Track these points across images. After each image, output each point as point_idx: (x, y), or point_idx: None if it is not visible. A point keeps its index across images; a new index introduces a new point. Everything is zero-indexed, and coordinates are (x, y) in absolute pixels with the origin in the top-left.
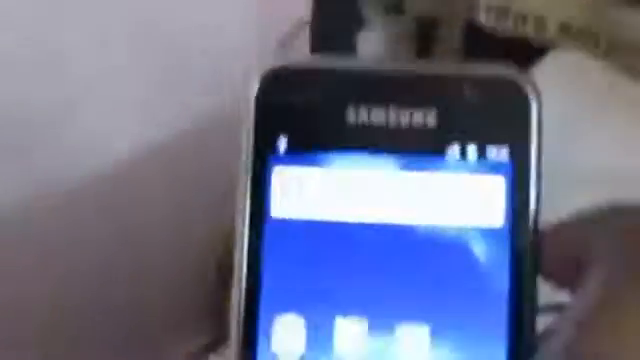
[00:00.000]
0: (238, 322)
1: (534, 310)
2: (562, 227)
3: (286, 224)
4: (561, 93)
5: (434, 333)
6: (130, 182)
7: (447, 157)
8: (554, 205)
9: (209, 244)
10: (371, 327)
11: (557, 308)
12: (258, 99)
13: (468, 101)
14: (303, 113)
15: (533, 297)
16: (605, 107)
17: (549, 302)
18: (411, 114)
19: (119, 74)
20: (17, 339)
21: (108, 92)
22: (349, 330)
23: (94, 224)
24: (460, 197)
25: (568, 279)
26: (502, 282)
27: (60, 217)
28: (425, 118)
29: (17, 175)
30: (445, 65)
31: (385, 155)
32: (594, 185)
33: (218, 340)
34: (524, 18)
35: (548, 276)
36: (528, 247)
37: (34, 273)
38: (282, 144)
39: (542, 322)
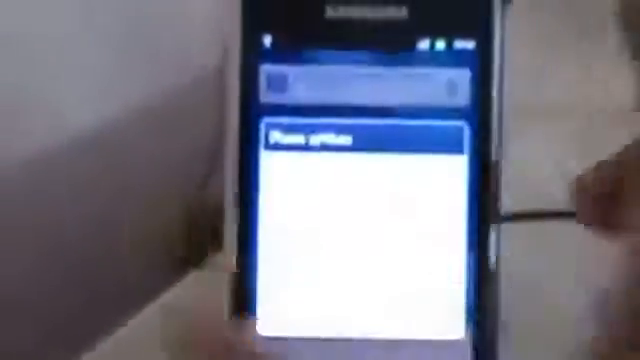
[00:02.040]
0: (231, 209)
1: (499, 178)
2: (600, 166)
3: (273, 115)
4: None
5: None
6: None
7: (417, 50)
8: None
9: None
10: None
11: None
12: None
13: None
14: (284, 9)
15: (495, 197)
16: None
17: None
18: (384, 8)
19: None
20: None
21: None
22: None
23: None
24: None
25: (604, 219)
26: (462, 177)
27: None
28: (397, 12)
29: None
30: None
31: (359, 50)
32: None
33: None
34: None
35: (584, 217)
36: (491, 137)
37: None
38: (267, 41)
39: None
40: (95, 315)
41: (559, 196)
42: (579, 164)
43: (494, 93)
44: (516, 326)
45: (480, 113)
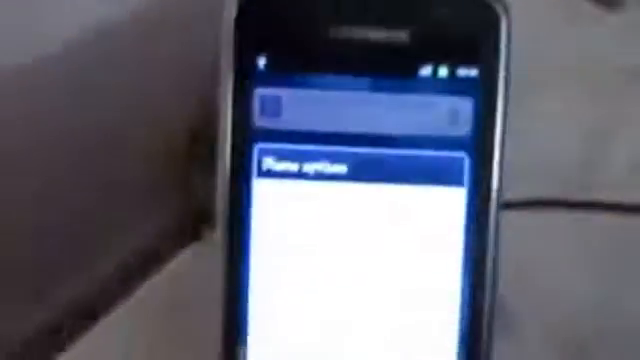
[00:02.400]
0: (223, 235)
1: (497, 216)
2: None
3: (266, 139)
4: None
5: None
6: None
7: (419, 76)
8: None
9: (181, 113)
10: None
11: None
12: (237, 16)
13: (440, 20)
14: (280, 32)
15: (497, 208)
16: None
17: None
18: (385, 33)
19: None
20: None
21: None
22: None
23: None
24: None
25: None
26: (461, 211)
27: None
28: (398, 37)
29: None
30: None
31: (359, 74)
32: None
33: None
34: None
35: None
36: (494, 167)
37: None
38: (261, 63)
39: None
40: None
41: None
42: None
43: (497, 123)
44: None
45: (482, 144)
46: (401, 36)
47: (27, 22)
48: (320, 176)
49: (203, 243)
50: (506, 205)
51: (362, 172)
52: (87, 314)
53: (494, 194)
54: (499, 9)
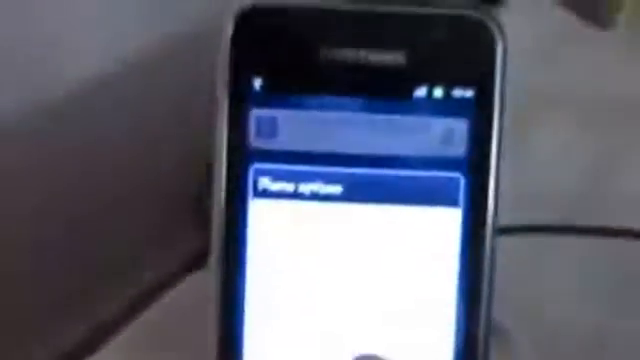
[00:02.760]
0: (218, 256)
1: (493, 239)
2: None
3: (261, 160)
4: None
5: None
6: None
7: (414, 97)
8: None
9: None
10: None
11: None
12: (233, 38)
13: (435, 41)
14: (275, 53)
15: (493, 230)
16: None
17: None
18: (379, 54)
19: None
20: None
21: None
22: None
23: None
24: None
25: None
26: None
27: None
28: (393, 58)
29: None
30: (415, 5)
31: (355, 96)
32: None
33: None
34: None
35: None
36: (489, 185)
37: None
38: (257, 84)
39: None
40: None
41: None
42: None
43: (493, 144)
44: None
45: (477, 165)
46: (396, 57)
47: (29, 72)
48: (315, 196)
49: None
50: (511, 230)
51: (357, 193)
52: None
53: (490, 215)
54: (495, 30)
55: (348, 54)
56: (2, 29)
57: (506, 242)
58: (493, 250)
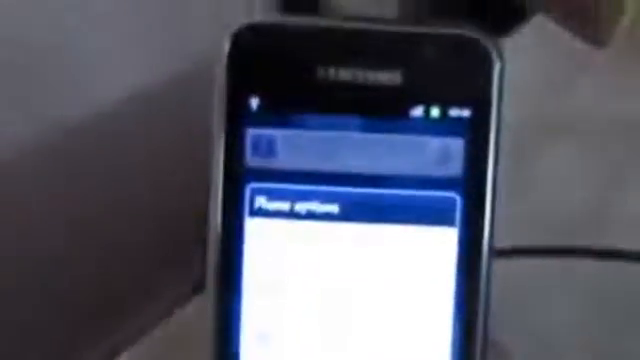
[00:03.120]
0: (213, 275)
1: (490, 261)
2: None
3: (259, 180)
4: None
5: None
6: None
7: (410, 117)
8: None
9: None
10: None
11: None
12: (230, 57)
13: (433, 60)
14: (272, 72)
15: (489, 251)
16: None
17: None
18: (377, 73)
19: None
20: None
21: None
22: None
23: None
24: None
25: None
26: (452, 252)
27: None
28: (390, 77)
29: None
30: (412, 24)
31: (351, 115)
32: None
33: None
34: None
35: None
36: (486, 206)
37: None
38: (254, 104)
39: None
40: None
41: None
42: None
43: (489, 164)
44: None
45: (474, 185)
46: (393, 76)
47: (28, 105)
48: (312, 216)
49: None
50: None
51: (354, 212)
52: None
53: (486, 235)
54: (492, 49)
55: (345, 73)
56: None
57: (506, 265)
58: (489, 270)
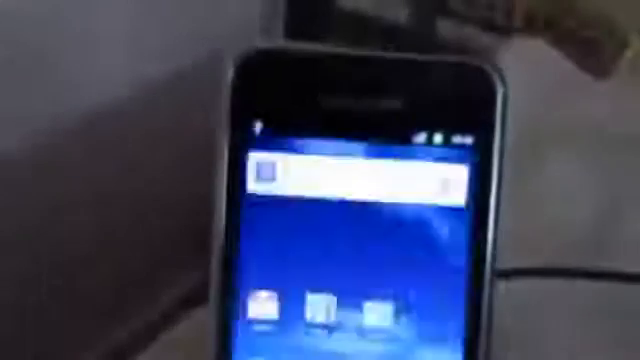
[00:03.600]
0: (216, 295)
1: (492, 284)
2: None
3: (260, 204)
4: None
5: (397, 310)
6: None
7: (413, 143)
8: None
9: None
10: (339, 303)
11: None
12: (234, 82)
13: (435, 88)
14: (275, 98)
15: (491, 275)
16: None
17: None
18: (379, 100)
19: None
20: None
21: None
22: (319, 304)
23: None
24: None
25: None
26: (461, 261)
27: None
28: (393, 104)
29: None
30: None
31: (354, 141)
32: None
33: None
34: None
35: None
36: (488, 232)
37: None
38: (257, 128)
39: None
40: None
41: None
42: None
43: (492, 190)
44: None
45: (476, 211)
46: (396, 103)
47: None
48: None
49: None
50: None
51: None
52: None
53: (488, 260)
54: (495, 76)
55: (348, 99)
56: None
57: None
58: (491, 294)
